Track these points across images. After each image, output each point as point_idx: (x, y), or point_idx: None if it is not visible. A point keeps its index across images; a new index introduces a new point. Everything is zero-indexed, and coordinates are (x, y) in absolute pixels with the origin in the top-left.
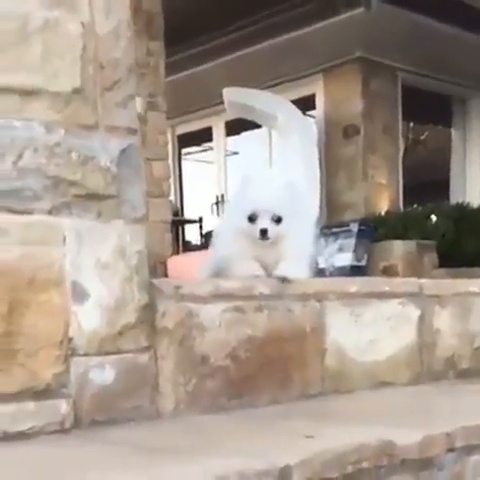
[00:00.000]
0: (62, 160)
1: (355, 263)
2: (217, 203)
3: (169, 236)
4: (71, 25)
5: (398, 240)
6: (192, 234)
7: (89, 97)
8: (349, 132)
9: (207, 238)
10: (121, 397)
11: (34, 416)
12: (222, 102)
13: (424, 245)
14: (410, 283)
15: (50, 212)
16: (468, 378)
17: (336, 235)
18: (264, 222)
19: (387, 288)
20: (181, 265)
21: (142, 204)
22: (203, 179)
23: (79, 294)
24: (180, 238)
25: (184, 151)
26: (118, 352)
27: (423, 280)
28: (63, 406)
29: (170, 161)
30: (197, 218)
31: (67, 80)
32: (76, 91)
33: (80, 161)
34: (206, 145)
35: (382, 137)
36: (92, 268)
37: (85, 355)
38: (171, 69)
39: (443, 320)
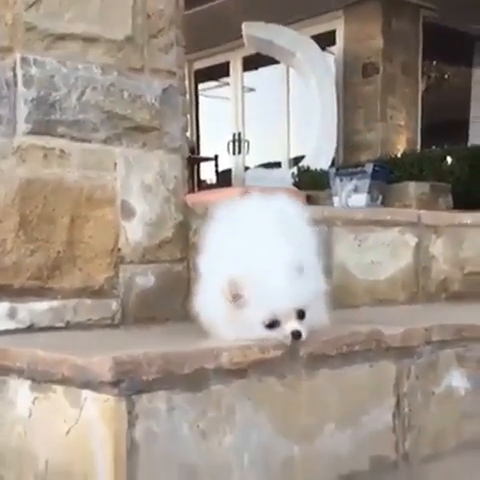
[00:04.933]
0: (115, 98)
1: (369, 204)
2: (233, 141)
3: (186, 173)
4: None
5: (412, 182)
6: (207, 173)
7: (138, 44)
8: (368, 70)
9: (222, 177)
10: (159, 299)
11: (90, 311)
12: (240, 37)
13: (439, 187)
14: (409, 213)
15: (105, 141)
16: (458, 300)
17: (351, 176)
18: (293, 323)
19: (389, 217)
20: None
21: (179, 136)
22: (219, 116)
23: (127, 211)
24: (195, 177)
25: (201, 87)
26: (157, 261)
27: (421, 211)
28: (113, 304)
29: (187, 97)
30: (213, 156)
31: (120, 29)
32: (127, 38)
33: (130, 99)
34: (223, 81)
35: (401, 77)
36: (138, 190)
37: (131, 263)
38: (189, 2)
39: (438, 248)
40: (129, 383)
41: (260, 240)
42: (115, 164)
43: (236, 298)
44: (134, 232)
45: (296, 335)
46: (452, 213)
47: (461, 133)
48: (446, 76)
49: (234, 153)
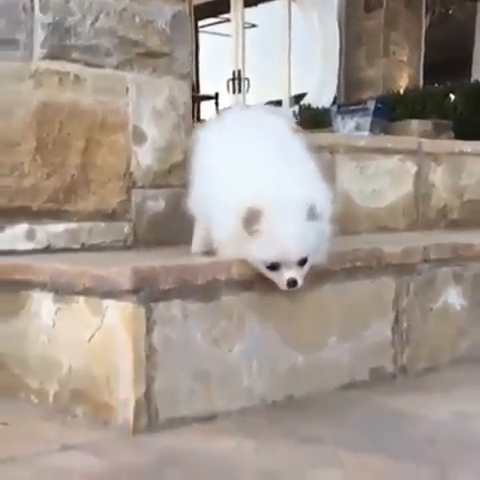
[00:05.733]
0: (128, 23)
1: None
2: (233, 79)
3: None
4: None
5: (415, 119)
6: (207, 113)
7: None
8: (371, 4)
9: None
10: (169, 222)
11: (104, 233)
12: None
13: (441, 124)
14: (410, 141)
15: (117, 67)
16: (457, 227)
17: (353, 113)
18: (291, 272)
19: (389, 145)
20: None
21: (188, 62)
22: (220, 53)
23: (139, 136)
24: (195, 116)
25: (200, 23)
26: (167, 186)
27: (422, 139)
28: (126, 228)
29: None
30: (213, 94)
31: None
32: None
33: (142, 24)
34: (223, 17)
35: (405, 12)
36: (149, 115)
37: (142, 187)
38: None
39: (438, 176)
40: (147, 291)
41: (277, 169)
42: (127, 89)
43: (248, 227)
44: (145, 157)
45: (292, 284)
46: (452, 141)
47: (464, 70)
48: (450, 11)
49: (234, 91)
